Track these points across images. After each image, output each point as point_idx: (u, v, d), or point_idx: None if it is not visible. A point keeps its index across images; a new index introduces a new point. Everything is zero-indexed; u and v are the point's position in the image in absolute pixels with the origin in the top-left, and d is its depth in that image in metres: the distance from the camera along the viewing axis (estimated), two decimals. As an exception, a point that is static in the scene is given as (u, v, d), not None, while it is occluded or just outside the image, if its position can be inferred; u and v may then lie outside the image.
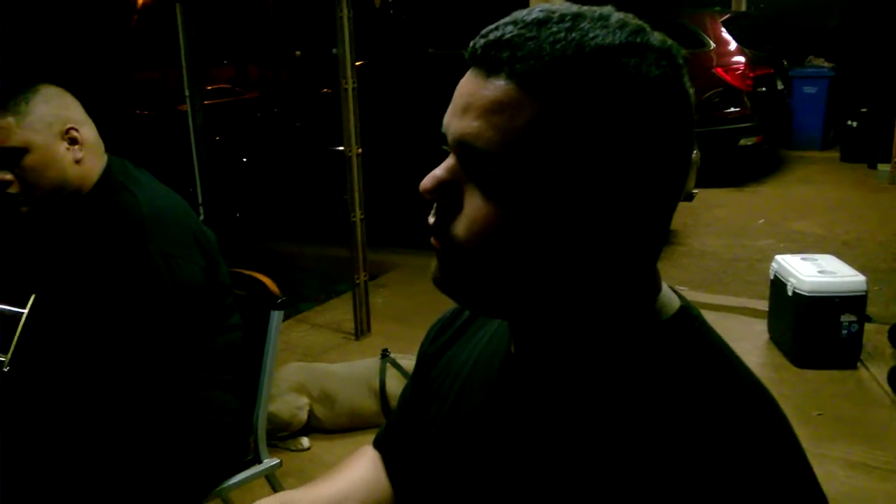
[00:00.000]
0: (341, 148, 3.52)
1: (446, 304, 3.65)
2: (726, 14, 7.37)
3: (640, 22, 0.62)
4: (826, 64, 8.11)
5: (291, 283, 4.52)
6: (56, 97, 1.56)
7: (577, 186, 0.59)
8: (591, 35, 0.58)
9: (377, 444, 1.02)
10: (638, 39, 0.59)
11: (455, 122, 0.63)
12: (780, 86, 7.33)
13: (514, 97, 0.58)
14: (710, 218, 5.89)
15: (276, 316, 1.80)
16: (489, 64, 0.60)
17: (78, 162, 1.56)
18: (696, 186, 5.30)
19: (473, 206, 0.62)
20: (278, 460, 1.83)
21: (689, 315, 0.68)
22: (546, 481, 0.66)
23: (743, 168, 6.98)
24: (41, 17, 9.35)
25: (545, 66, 0.57)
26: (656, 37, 0.61)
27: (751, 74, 6.71)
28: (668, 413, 0.61)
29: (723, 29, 6.96)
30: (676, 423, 0.60)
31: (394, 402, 2.75)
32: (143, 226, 1.50)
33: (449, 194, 0.64)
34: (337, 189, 5.17)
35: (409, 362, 2.85)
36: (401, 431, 0.96)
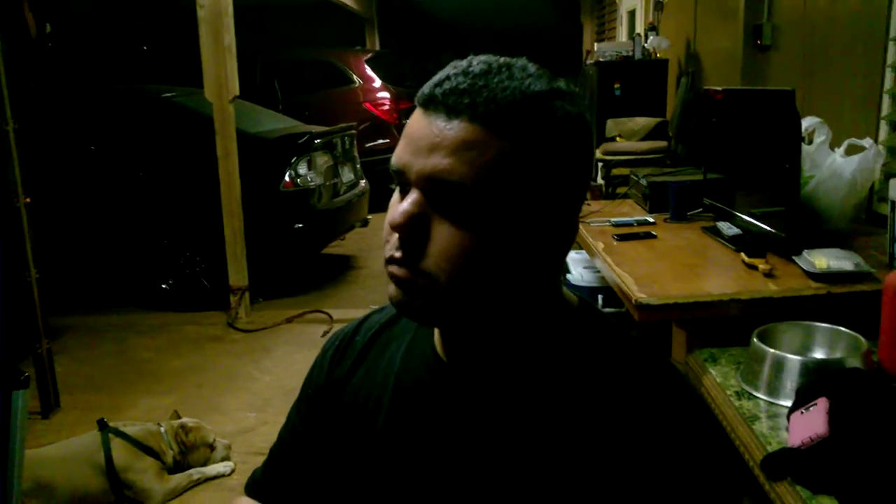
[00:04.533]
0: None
1: (139, 363, 3.47)
2: (368, 53, 7.97)
3: (546, 70, 0.74)
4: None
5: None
6: None
7: (530, 206, 0.70)
8: (526, 83, 0.69)
9: (255, 492, 0.97)
10: (555, 85, 0.72)
11: (420, 160, 0.68)
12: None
13: (480, 136, 0.66)
14: (381, 241, 6.30)
15: (21, 396, 1.53)
16: (449, 108, 0.67)
17: None
18: (368, 213, 5.67)
19: (444, 235, 0.68)
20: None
21: (587, 303, 0.82)
22: (505, 472, 0.73)
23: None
24: None
25: (501, 109, 0.67)
26: (563, 82, 0.74)
27: (396, 108, 7.36)
28: (608, 386, 0.72)
29: (367, 67, 7.52)
30: (617, 394, 0.72)
31: (125, 475, 2.47)
32: None
33: (418, 227, 0.69)
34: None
35: (135, 429, 2.58)
36: (290, 470, 0.94)
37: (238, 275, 4.27)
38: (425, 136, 0.68)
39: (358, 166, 5.57)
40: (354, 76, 7.47)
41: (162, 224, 4.55)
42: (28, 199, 3.09)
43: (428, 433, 0.79)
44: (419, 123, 0.69)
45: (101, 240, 4.59)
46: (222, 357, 3.82)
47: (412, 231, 0.69)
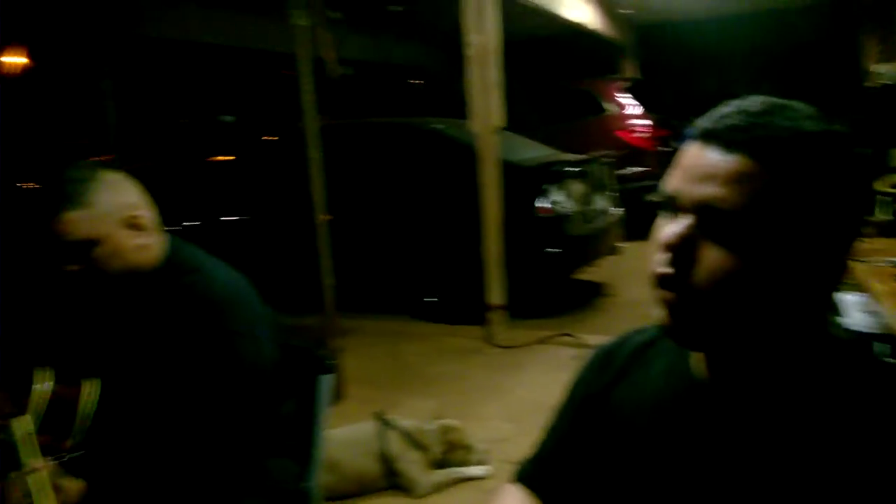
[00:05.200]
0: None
1: (408, 366, 3.73)
2: (623, 81, 8.00)
3: (822, 113, 0.79)
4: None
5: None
6: (116, 184, 1.54)
7: (798, 239, 0.75)
8: (802, 123, 0.75)
9: (527, 482, 1.08)
10: (830, 127, 0.76)
11: (694, 188, 0.77)
12: (674, 146, 8.00)
13: (754, 169, 0.74)
14: (633, 269, 6.27)
15: (325, 381, 1.84)
16: (726, 142, 0.75)
17: (141, 248, 1.56)
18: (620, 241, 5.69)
19: (711, 258, 0.75)
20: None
21: (857, 342, 0.85)
22: (757, 493, 0.77)
23: (650, 222, 7.46)
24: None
25: (777, 145, 0.74)
26: (838, 125, 0.78)
27: (652, 136, 7.30)
28: (871, 425, 0.74)
29: (622, 95, 7.56)
30: (881, 434, 0.73)
31: (397, 465, 2.79)
32: (220, 306, 1.51)
33: (687, 248, 0.77)
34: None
35: (407, 424, 2.89)
36: (555, 466, 1.04)
37: (496, 293, 4.54)
38: (700, 166, 0.76)
39: (612, 194, 5.64)
40: (609, 105, 7.54)
41: (429, 244, 5.00)
42: (328, 217, 3.61)
43: (686, 450, 0.85)
44: (695, 154, 0.77)
45: (379, 255, 5.15)
46: (480, 369, 4.10)
47: (681, 251, 0.76)
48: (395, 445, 2.81)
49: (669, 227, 0.78)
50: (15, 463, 1.36)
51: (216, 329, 1.49)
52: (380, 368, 4.17)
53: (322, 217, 3.58)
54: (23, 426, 1.44)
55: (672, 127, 8.20)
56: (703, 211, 0.76)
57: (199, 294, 1.53)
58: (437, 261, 4.99)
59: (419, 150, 5.30)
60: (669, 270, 0.78)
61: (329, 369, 1.85)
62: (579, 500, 1.02)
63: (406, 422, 2.92)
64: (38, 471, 1.30)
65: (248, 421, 1.51)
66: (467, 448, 2.90)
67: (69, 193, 1.47)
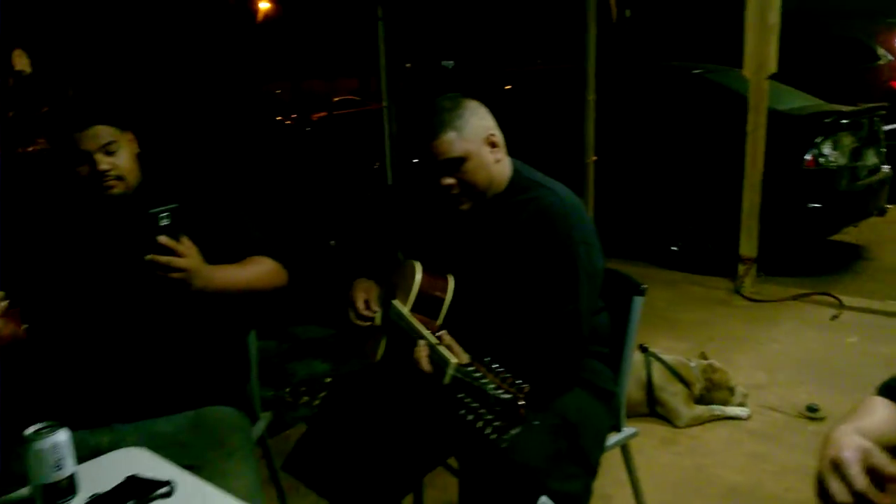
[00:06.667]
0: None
1: (655, 309, 3.88)
2: (903, 27, 7.22)
3: None
4: None
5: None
6: (478, 108, 1.80)
7: None
8: None
9: (890, 394, 1.18)
10: None
11: None
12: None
13: None
14: (895, 233, 5.80)
15: (638, 301, 2.01)
16: None
17: (497, 162, 1.81)
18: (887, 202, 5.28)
19: None
20: (636, 429, 2.03)
21: None
22: None
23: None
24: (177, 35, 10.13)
25: None
26: None
27: (932, 89, 6.57)
28: None
29: (900, 42, 6.84)
30: None
31: (660, 394, 2.93)
32: (568, 219, 1.73)
33: None
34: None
35: (670, 358, 3.01)
36: None
37: (749, 246, 4.45)
38: None
39: (882, 150, 5.21)
40: (883, 52, 6.86)
41: (682, 190, 4.97)
42: (595, 158, 3.75)
43: None
44: None
45: (625, 200, 5.20)
46: (729, 319, 4.09)
47: None
48: (660, 376, 2.94)
49: None
50: (410, 332, 1.67)
51: (562, 235, 1.71)
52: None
53: (591, 158, 3.72)
54: (400, 305, 1.77)
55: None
56: None
57: (548, 205, 1.76)
58: (689, 208, 4.96)
59: (681, 95, 5.22)
60: None
61: (642, 292, 2.02)
62: None
63: (669, 357, 3.04)
64: (437, 336, 1.60)
65: (581, 316, 1.72)
66: (729, 389, 2.97)
67: (444, 120, 1.74)
